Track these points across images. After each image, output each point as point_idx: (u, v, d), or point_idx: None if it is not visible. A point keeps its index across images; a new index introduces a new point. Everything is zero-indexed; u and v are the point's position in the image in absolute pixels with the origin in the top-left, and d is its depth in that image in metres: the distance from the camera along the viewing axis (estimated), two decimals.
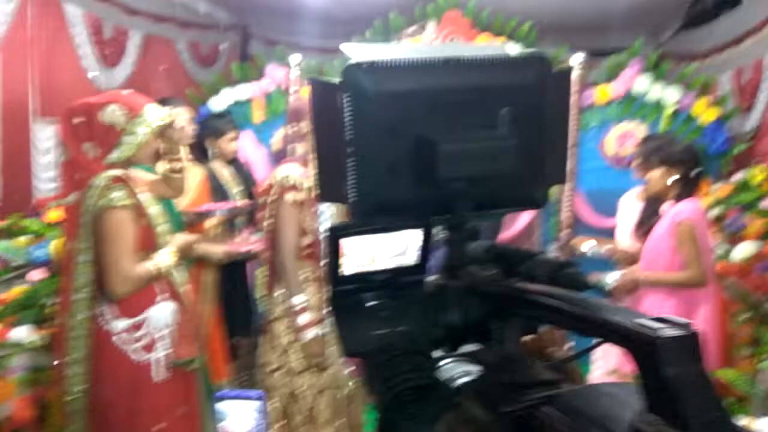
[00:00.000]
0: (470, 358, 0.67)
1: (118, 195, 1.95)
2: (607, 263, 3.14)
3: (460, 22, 3.90)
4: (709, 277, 2.77)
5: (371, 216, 0.67)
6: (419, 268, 0.69)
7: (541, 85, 0.70)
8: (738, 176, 3.71)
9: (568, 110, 0.78)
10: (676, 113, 3.85)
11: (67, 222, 1.99)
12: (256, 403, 1.09)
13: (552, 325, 0.64)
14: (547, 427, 0.47)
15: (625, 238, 3.20)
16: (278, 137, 4.36)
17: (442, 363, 0.67)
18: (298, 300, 2.38)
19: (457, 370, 0.66)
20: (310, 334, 2.37)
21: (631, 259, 2.98)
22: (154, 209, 2.07)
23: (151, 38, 4.69)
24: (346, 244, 0.65)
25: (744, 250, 3.31)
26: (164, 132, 2.15)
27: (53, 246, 2.67)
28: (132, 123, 2.00)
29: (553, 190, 3.92)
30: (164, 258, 2.05)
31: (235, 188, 3.39)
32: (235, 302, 3.22)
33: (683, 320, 0.48)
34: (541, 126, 0.70)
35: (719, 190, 3.68)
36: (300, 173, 2.42)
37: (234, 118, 3.62)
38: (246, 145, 4.08)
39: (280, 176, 2.41)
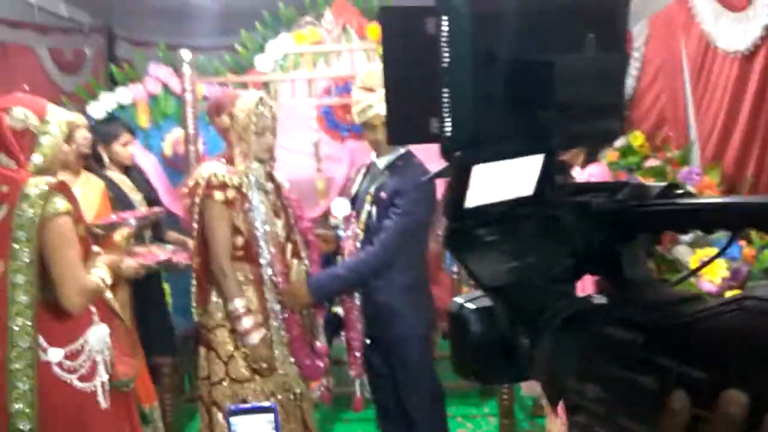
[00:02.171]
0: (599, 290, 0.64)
1: (60, 201, 1.75)
2: None
3: (349, 10, 3.87)
4: None
5: (466, 150, 0.62)
6: (535, 199, 0.64)
7: (625, 10, 0.68)
8: (620, 142, 4.01)
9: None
10: None
11: None
12: (269, 416, 1.01)
13: (697, 230, 0.61)
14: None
15: None
16: (170, 141, 4.10)
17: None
18: (238, 304, 2.24)
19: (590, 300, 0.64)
20: (255, 338, 2.24)
21: None
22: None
23: (8, 47, 4.23)
24: (476, 172, 0.59)
25: None
26: (72, 136, 1.97)
27: None
28: (43, 124, 1.79)
29: None
30: (102, 272, 1.86)
31: (136, 196, 3.14)
32: (152, 320, 2.97)
33: None
34: (621, 52, 0.68)
35: (608, 155, 3.95)
36: (226, 170, 2.27)
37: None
38: (134, 152, 3.79)
39: (205, 174, 2.25)
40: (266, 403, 1.03)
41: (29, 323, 1.72)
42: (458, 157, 0.58)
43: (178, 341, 3.29)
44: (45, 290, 1.78)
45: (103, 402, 1.84)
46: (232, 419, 1.01)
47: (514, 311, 0.63)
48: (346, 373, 3.06)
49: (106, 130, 3.14)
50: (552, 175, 0.63)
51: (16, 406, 1.71)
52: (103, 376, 1.84)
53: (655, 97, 4.10)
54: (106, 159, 3.13)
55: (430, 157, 2.92)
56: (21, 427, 1.70)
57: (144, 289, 3.00)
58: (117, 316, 2.04)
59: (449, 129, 0.60)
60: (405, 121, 0.64)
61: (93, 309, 1.89)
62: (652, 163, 3.86)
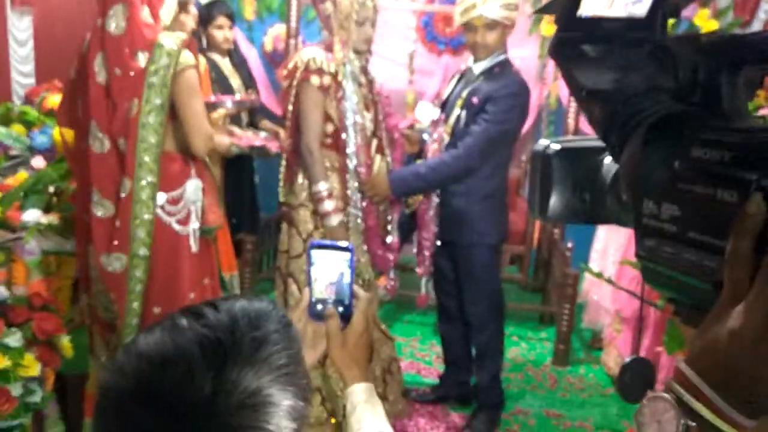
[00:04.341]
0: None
1: (190, 55, 1.92)
2: None
3: None
4: None
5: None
6: (646, 24, 0.66)
7: None
8: None
9: None
10: (678, 22, 3.85)
11: (128, 83, 1.89)
12: (347, 254, 1.09)
13: None
14: None
15: None
16: (271, 36, 4.20)
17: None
18: (322, 187, 2.34)
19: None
20: (334, 220, 2.35)
21: None
22: None
23: None
24: None
25: None
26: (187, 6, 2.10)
27: (56, 132, 2.57)
28: None
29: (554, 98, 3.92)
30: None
31: (235, 81, 3.27)
32: (240, 198, 3.16)
33: None
34: None
35: None
36: (325, 56, 2.33)
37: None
38: (234, 40, 3.90)
39: (305, 58, 2.32)
40: (345, 243, 1.12)
41: (154, 161, 1.90)
42: None
43: (262, 221, 3.51)
44: (166, 137, 1.96)
45: (194, 246, 2.03)
46: (312, 251, 1.11)
47: (610, 114, 0.66)
48: (410, 277, 3.18)
49: (203, 12, 3.23)
50: (664, 11, 0.64)
51: (138, 232, 1.93)
52: (195, 223, 2.04)
53: None
54: (204, 42, 3.25)
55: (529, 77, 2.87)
56: (140, 252, 1.93)
57: (236, 169, 3.17)
58: (209, 171, 2.20)
59: None
60: None
61: (191, 163, 2.05)
62: (764, 112, 3.64)
